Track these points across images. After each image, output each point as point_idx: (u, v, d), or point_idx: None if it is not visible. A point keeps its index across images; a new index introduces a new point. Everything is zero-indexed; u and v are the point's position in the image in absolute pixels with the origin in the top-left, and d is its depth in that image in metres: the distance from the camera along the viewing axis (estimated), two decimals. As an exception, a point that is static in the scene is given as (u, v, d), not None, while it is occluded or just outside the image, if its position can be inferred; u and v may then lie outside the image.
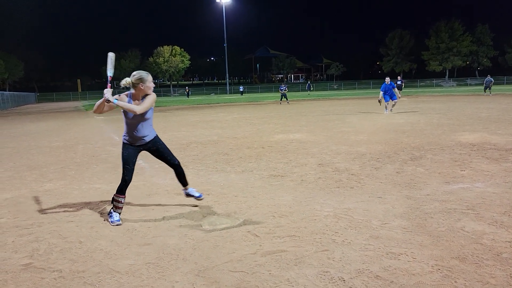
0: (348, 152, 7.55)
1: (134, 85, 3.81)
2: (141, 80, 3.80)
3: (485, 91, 30.99)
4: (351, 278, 2.62)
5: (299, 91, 70.87)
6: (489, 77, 31.09)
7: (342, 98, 34.67)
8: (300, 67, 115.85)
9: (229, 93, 70.71)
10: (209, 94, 72.14)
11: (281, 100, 28.84)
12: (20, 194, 5.28)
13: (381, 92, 16.04)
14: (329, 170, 6.00)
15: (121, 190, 3.96)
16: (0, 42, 67.10)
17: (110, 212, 4.01)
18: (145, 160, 7.34)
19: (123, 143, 4.03)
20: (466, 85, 66.81)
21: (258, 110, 22.87)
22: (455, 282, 2.53)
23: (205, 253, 3.13)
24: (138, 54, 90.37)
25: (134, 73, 3.86)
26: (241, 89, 62.56)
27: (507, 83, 59.92)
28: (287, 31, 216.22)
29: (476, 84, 66.22)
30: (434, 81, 74.84)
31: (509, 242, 3.13)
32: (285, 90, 28.40)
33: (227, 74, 78.15)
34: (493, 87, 31.91)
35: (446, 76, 79.36)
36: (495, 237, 3.24)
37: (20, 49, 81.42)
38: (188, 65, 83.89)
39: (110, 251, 3.26)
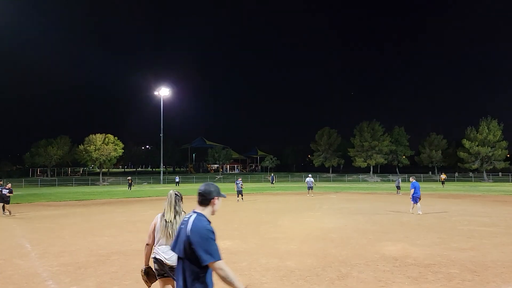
0: (277, 267, 7.44)
1: None
2: None
3: (397, 192, 32.96)
4: None
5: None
6: (399, 178, 36.38)
7: (276, 193, 35.32)
8: (235, 158, 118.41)
9: (163, 183, 69.23)
10: (141, 184, 69.99)
11: (238, 196, 26.48)
12: None
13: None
14: (256, 295, 5.80)
15: None
16: None
17: None
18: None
19: None
20: (389, 180, 71.93)
21: (193, 206, 22.23)
22: None
23: None
24: (68, 141, 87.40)
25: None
26: (177, 180, 61.31)
27: (424, 181, 65.44)
28: (223, 123, 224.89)
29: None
30: (361, 176, 79.83)
31: None
32: (241, 186, 26.78)
33: (161, 164, 77.36)
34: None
35: (371, 172, 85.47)
36: None
37: None
38: (121, 154, 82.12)
39: None
